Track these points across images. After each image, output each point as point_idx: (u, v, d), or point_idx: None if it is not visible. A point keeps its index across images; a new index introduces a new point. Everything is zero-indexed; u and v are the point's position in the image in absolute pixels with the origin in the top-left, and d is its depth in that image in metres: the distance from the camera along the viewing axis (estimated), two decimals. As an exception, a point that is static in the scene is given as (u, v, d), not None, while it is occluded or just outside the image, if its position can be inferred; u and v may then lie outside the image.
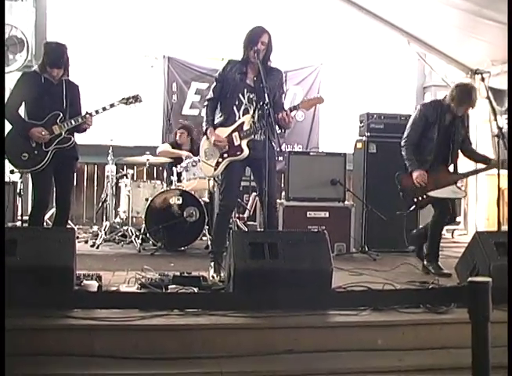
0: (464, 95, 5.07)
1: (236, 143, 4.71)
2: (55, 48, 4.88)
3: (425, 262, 5.34)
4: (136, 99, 5.24)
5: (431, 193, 5.16)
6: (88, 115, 4.93)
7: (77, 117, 4.91)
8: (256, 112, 4.67)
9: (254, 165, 4.73)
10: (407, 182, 5.21)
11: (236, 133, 4.70)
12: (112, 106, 5.10)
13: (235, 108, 4.71)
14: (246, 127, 4.69)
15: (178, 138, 7.69)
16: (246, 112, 4.71)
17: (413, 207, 5.31)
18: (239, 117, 4.71)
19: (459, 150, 5.34)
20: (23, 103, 4.91)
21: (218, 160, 4.76)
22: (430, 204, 5.32)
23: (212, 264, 4.72)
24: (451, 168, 5.31)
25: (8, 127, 4.88)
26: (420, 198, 5.20)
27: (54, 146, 4.85)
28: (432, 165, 5.21)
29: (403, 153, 5.26)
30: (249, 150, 4.69)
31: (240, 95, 4.70)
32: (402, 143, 5.29)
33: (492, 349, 2.10)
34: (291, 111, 4.90)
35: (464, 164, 5.64)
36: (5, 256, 3.35)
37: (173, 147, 7.62)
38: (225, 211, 4.85)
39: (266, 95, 4.39)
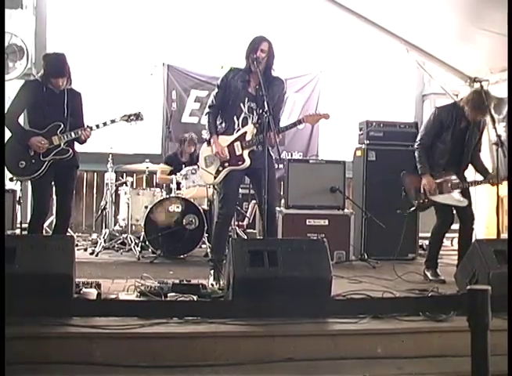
0: (479, 101, 5.03)
1: (238, 153, 4.70)
2: (55, 58, 4.90)
3: (424, 269, 5.39)
4: (137, 116, 5.24)
5: (433, 197, 5.22)
6: (88, 129, 4.94)
7: (77, 129, 4.91)
8: (257, 122, 4.65)
9: (254, 175, 4.72)
10: (412, 183, 5.30)
11: (238, 143, 4.70)
12: (113, 122, 5.11)
13: (235, 117, 4.71)
14: (248, 137, 4.69)
15: (186, 148, 7.62)
16: (245, 121, 4.70)
17: (414, 208, 5.37)
18: (238, 126, 4.71)
19: None
20: (25, 112, 4.93)
21: (219, 168, 4.76)
22: (430, 207, 5.35)
23: (212, 272, 4.72)
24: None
25: (7, 135, 4.89)
26: (422, 201, 5.26)
27: (52, 156, 4.86)
28: (444, 169, 5.24)
29: (416, 154, 5.31)
30: (250, 160, 4.70)
31: (241, 104, 4.70)
32: (416, 145, 5.34)
33: (491, 357, 2.10)
34: (295, 125, 4.94)
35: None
36: (4, 264, 3.35)
37: (170, 158, 7.63)
38: (224, 220, 4.84)
39: (266, 103, 4.38)
